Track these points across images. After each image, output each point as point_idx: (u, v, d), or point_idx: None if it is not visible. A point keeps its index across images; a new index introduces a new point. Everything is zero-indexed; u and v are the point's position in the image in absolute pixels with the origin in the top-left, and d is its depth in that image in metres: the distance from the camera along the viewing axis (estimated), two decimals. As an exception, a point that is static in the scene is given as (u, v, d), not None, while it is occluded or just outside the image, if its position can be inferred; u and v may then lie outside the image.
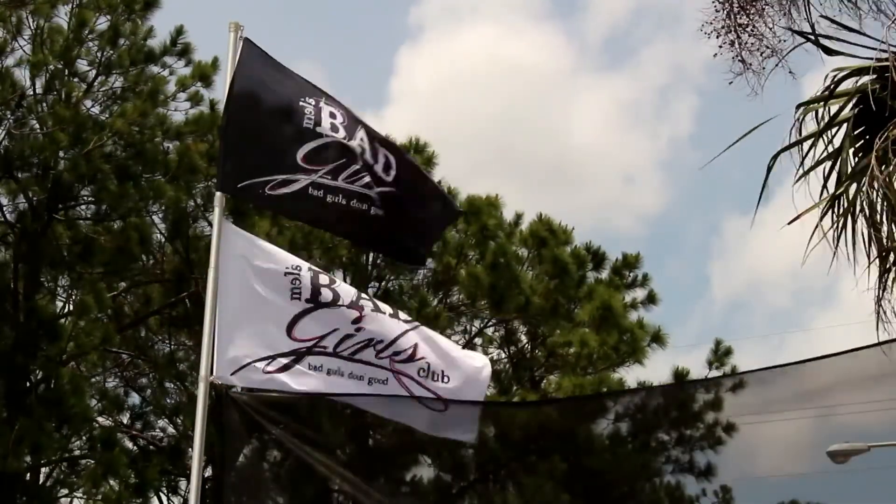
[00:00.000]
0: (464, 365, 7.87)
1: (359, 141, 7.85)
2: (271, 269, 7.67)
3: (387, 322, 7.79)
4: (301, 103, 7.82)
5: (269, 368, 7.48)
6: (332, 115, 7.86)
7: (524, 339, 19.81)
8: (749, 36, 7.58)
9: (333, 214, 7.78)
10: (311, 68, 44.11)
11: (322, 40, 49.39)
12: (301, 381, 7.54)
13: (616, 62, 54.53)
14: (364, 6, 50.13)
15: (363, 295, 7.96)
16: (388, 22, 51.88)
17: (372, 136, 7.96)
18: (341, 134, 7.85)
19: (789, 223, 6.98)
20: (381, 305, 7.94)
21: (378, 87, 51.24)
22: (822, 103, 7.27)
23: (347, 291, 7.85)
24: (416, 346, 7.76)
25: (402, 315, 8.00)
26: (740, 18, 7.63)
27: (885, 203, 6.74)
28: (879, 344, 6.22)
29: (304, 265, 7.81)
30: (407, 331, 7.77)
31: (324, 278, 7.78)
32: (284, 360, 7.52)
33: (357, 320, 7.68)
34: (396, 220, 7.89)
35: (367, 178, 7.78)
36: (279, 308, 7.57)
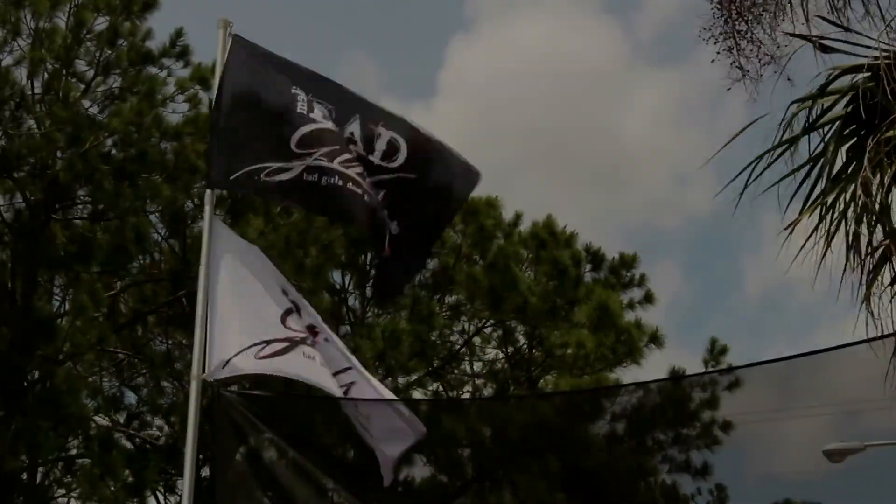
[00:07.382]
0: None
1: (348, 134, 7.80)
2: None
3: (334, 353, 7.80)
4: (294, 90, 7.80)
5: (263, 354, 7.41)
6: (322, 107, 7.83)
7: (522, 339, 19.81)
8: (748, 42, 7.54)
9: (329, 197, 7.71)
10: (360, 59, 43.94)
11: (373, 31, 48.84)
12: (296, 367, 7.49)
13: (671, 59, 54.01)
14: (419, -3, 49.49)
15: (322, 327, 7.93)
16: (441, 13, 51.35)
17: (370, 120, 7.88)
18: (331, 125, 7.81)
19: (785, 228, 6.96)
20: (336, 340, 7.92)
21: (428, 78, 50.51)
22: (818, 100, 7.23)
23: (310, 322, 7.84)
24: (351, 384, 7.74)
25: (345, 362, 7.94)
26: (738, 25, 7.58)
27: (877, 205, 6.71)
28: (867, 340, 6.19)
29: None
30: (347, 368, 7.76)
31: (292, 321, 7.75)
32: (280, 346, 7.49)
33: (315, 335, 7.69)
34: (397, 211, 7.75)
35: (360, 168, 7.72)
36: (273, 299, 7.57)
